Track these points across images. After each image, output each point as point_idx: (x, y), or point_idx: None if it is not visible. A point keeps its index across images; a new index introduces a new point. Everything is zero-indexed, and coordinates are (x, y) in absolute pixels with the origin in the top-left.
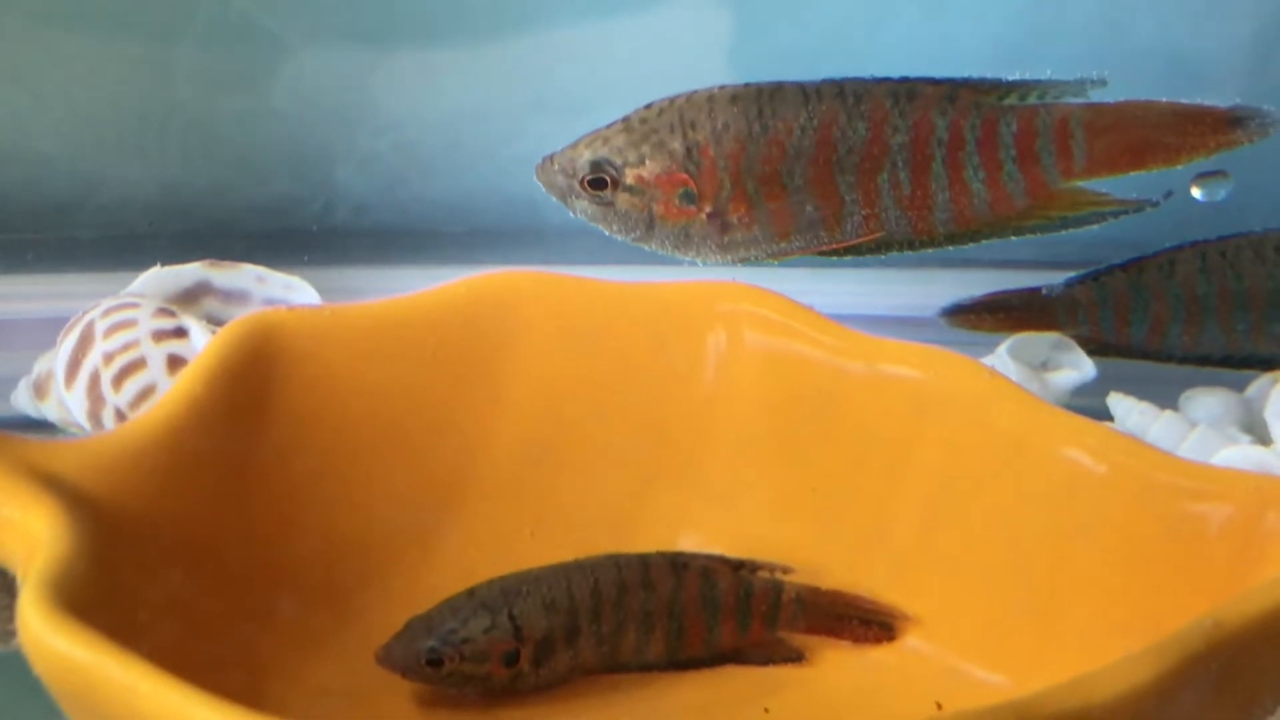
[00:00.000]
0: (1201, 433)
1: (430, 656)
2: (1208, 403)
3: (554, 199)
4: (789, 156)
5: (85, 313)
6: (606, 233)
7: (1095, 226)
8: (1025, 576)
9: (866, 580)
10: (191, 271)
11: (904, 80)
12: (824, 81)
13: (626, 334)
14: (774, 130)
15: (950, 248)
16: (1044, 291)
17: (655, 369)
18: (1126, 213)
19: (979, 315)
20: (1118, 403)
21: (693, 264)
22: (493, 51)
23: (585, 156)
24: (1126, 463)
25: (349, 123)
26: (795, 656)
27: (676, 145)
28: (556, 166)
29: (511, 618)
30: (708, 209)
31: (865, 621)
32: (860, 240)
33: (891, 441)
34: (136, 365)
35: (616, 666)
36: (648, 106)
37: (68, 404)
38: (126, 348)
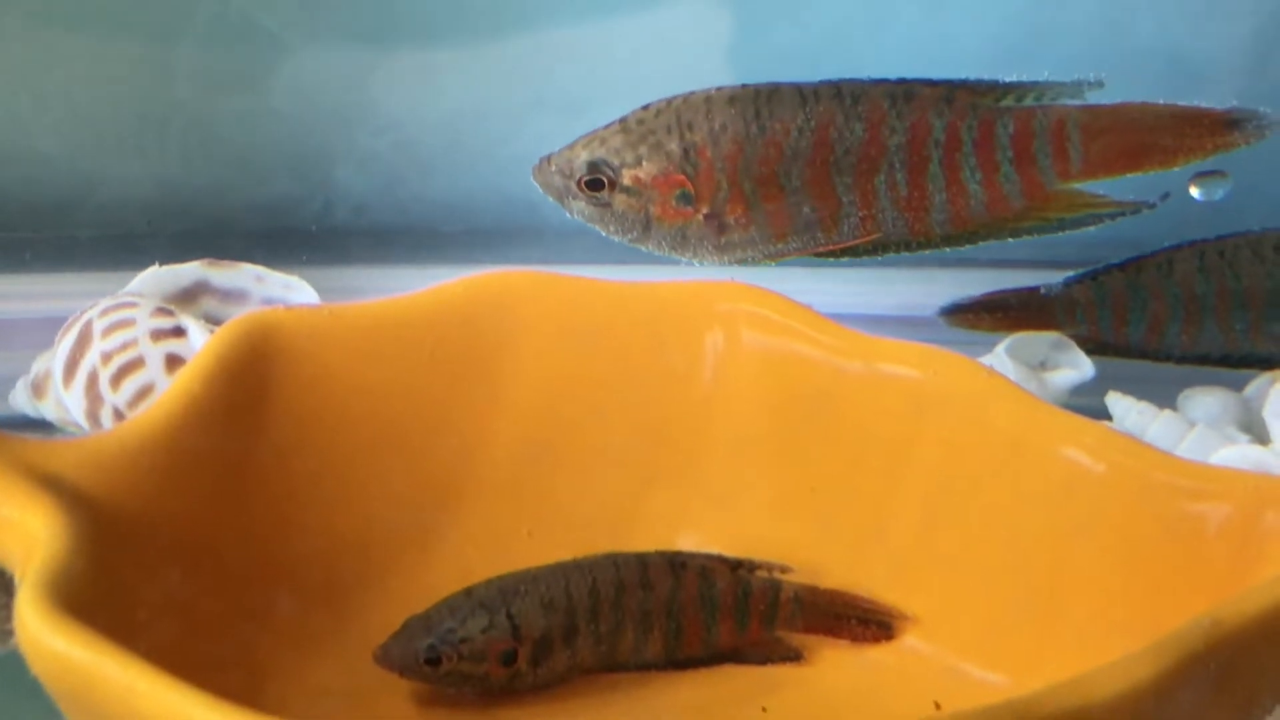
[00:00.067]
0: (1200, 432)
1: (428, 656)
2: (1206, 402)
3: (551, 200)
4: (786, 158)
5: (83, 312)
6: (603, 234)
7: (1092, 228)
8: (1024, 576)
9: (865, 579)
10: (190, 271)
11: (901, 81)
12: (821, 83)
13: (625, 334)
14: (771, 131)
15: (947, 249)
16: (1042, 291)
17: (654, 368)
18: (1123, 214)
19: (977, 315)
20: (1116, 402)
21: (690, 264)
22: (492, 51)
23: (582, 157)
24: (1125, 462)
25: (348, 122)
26: (793, 656)
27: (674, 146)
28: (554, 167)
29: (509, 617)
30: (705, 210)
31: (864, 621)
32: (857, 242)
33: (890, 441)
34: (135, 364)
35: (614, 666)
36: (645, 108)
37: (66, 403)
38: (125, 347)
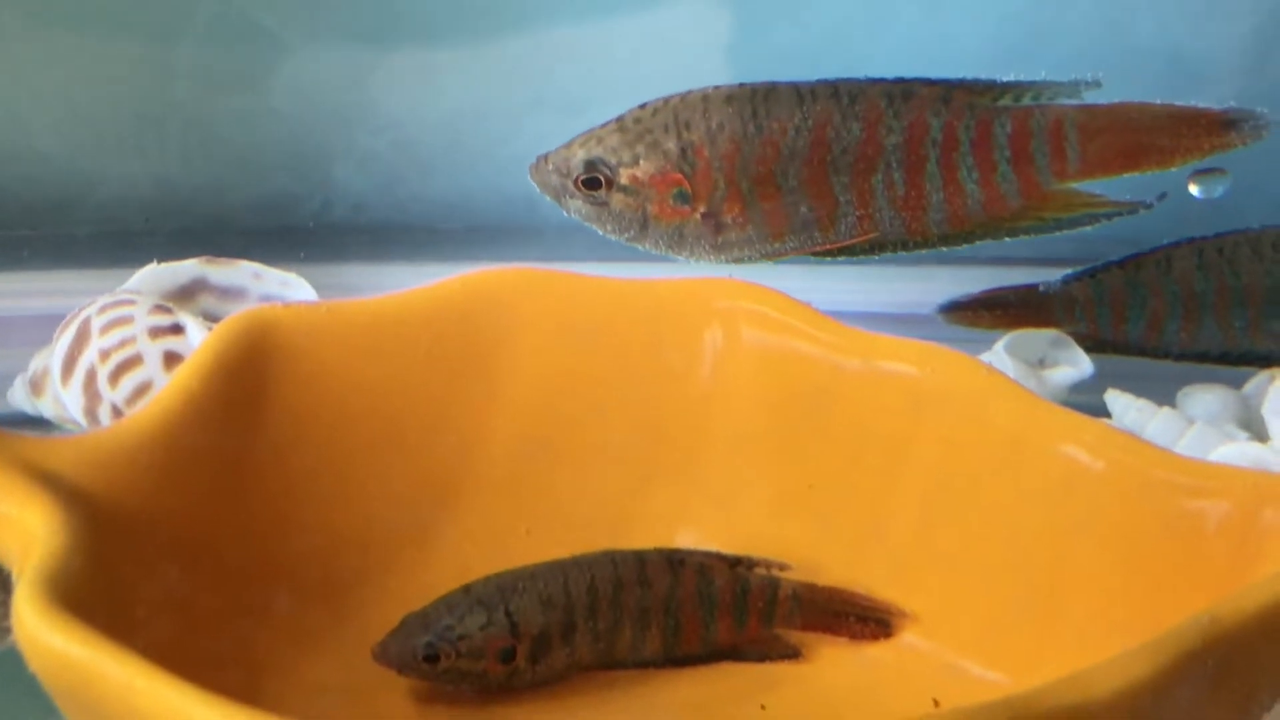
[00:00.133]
0: (1199, 429)
1: (427, 653)
2: (1205, 399)
3: (548, 198)
4: (783, 157)
5: (82, 309)
6: (601, 233)
7: (1089, 228)
8: (1023, 573)
9: (864, 577)
10: (188, 268)
11: (899, 81)
12: (819, 82)
13: (623, 331)
14: (768, 130)
15: (944, 249)
16: (1041, 288)
17: (652, 366)
18: (1120, 214)
19: (976, 312)
20: (1115, 399)
21: (689, 262)
22: (492, 50)
23: (579, 156)
24: (1124, 459)
25: (347, 121)
26: (792, 653)
27: (671, 145)
28: (551, 166)
29: (508, 614)
30: (702, 209)
31: (862, 618)
32: (854, 241)
33: (889, 438)
34: (133, 362)
35: (613, 663)
36: (642, 106)
37: (64, 401)
38: (123, 344)
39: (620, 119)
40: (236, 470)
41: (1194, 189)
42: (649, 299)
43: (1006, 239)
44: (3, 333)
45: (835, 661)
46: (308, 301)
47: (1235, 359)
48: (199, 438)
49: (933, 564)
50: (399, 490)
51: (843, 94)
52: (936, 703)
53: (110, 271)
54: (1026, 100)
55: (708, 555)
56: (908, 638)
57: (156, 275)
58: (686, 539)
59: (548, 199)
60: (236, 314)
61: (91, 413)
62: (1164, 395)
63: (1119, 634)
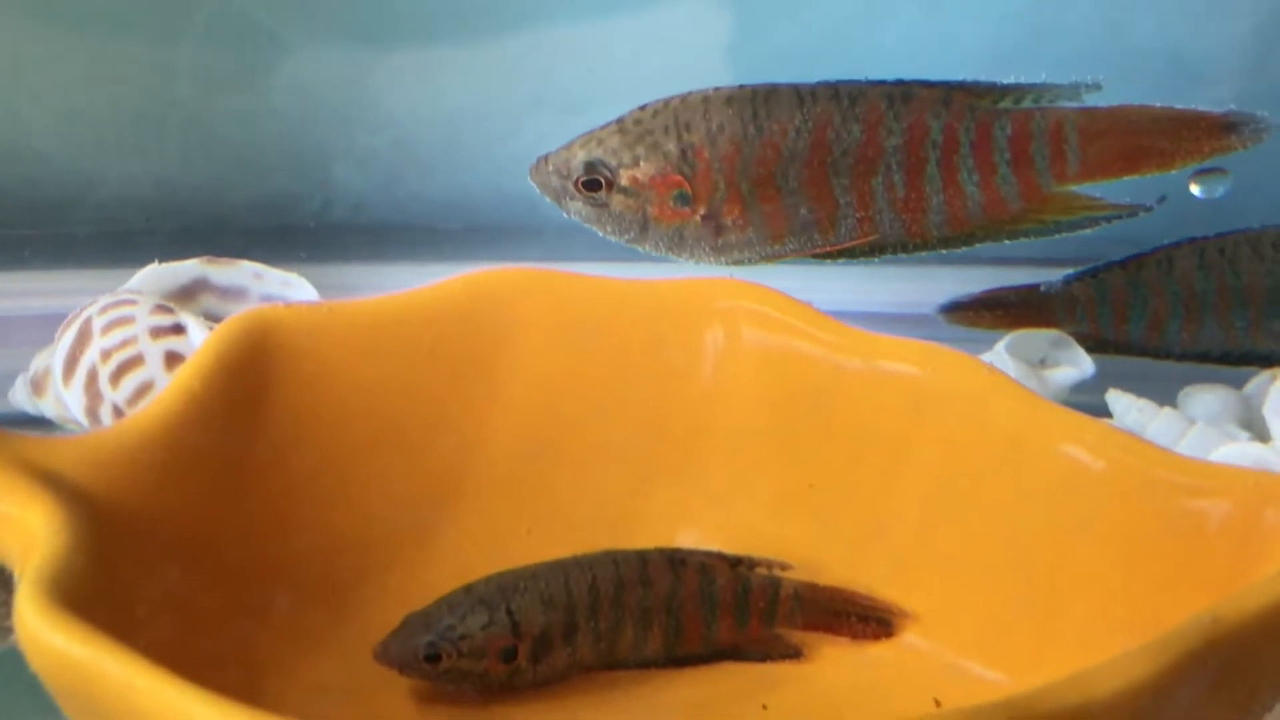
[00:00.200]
0: (1200, 429)
1: (428, 652)
2: (1206, 399)
3: (548, 199)
4: (784, 158)
5: (83, 309)
6: (600, 234)
7: (1089, 230)
8: (1024, 573)
9: (865, 577)
10: (189, 268)
11: (899, 83)
12: (819, 84)
13: (624, 331)
14: (769, 132)
15: (944, 251)
16: (1042, 288)
17: (653, 366)
18: (1120, 217)
19: (977, 312)
20: (1116, 400)
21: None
22: (491, 50)
23: (579, 158)
24: (1125, 459)
25: (347, 120)
26: (793, 653)
27: (671, 147)
28: (550, 167)
29: (509, 614)
30: (702, 211)
31: (863, 618)
32: (854, 243)
33: (890, 438)
34: (134, 362)
35: (614, 663)
36: (642, 108)
37: (65, 400)
38: (124, 344)
39: (620, 120)
40: (237, 470)
41: (1195, 189)
42: (650, 299)
43: (1006, 242)
44: (4, 332)
45: (836, 661)
46: (309, 301)
47: (1236, 359)
48: (200, 438)
49: (934, 564)
50: (400, 490)
51: (843, 96)
52: (938, 703)
53: (111, 271)
54: (1027, 103)
55: (709, 555)
56: (909, 637)
57: (157, 275)
58: (687, 538)
59: (547, 198)
60: (238, 314)
61: (93, 412)
62: (1165, 395)
63: (1120, 634)
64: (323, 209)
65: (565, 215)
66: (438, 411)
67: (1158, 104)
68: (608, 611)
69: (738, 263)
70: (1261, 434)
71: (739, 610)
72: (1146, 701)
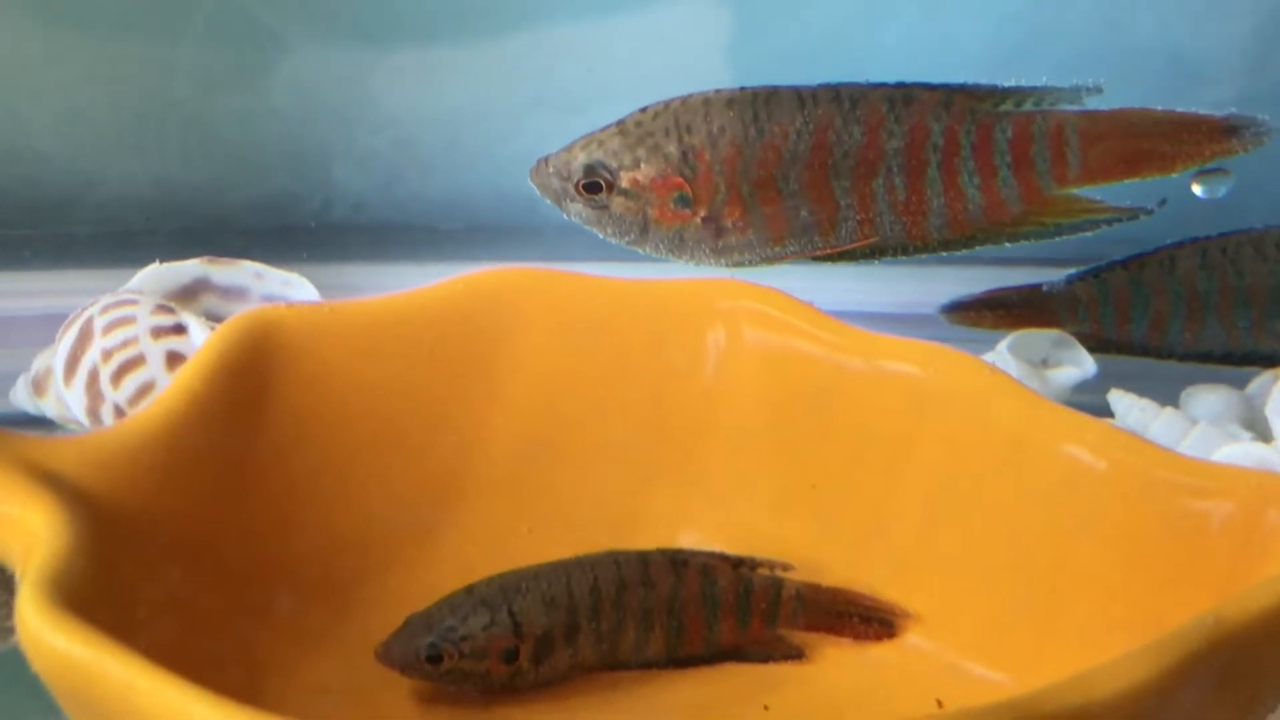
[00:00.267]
0: (1202, 430)
1: (430, 653)
2: (1208, 400)
3: (548, 201)
4: (784, 161)
5: (84, 309)
6: (600, 236)
7: (1089, 233)
8: (1026, 574)
9: (866, 577)
10: (190, 268)
11: (900, 85)
12: (820, 86)
13: (625, 331)
14: (769, 134)
15: (944, 253)
16: (1044, 288)
17: (654, 366)
18: (1121, 220)
19: (979, 312)
20: (1118, 400)
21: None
22: (492, 50)
23: (580, 160)
24: (1127, 460)
25: (348, 120)
26: (795, 654)
27: (672, 149)
28: (551, 169)
29: (511, 614)
30: (703, 213)
31: (865, 619)
32: (854, 245)
33: (891, 438)
34: (135, 362)
35: (616, 664)
36: (643, 110)
37: (66, 400)
38: (125, 344)
39: (621, 122)
40: (239, 470)
41: (1197, 189)
42: (651, 299)
43: (1007, 244)
44: (5, 332)
45: (838, 662)
46: (310, 301)
47: (1239, 359)
48: (201, 438)
49: (935, 564)
50: (401, 490)
51: (844, 98)
52: (940, 703)
53: (112, 271)
54: (1028, 105)
55: (711, 556)
56: (911, 638)
57: (158, 275)
58: (689, 539)
59: (548, 201)
60: (239, 314)
61: (94, 412)
62: (1167, 395)
63: (1122, 635)
64: (323, 209)
65: (565, 217)
66: (438, 411)
67: (1158, 105)
68: (609, 612)
69: (738, 265)
70: (1264, 434)
71: (741, 611)
72: (1148, 702)
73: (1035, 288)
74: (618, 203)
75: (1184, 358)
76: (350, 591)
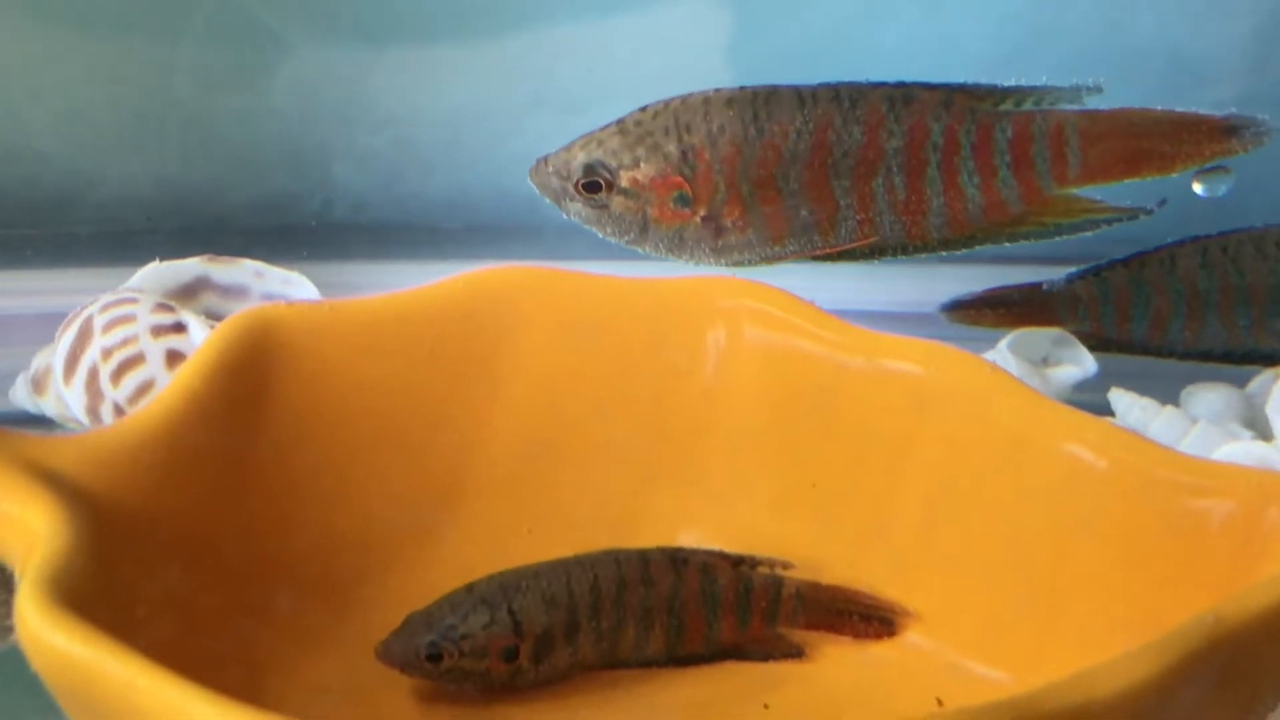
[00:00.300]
0: (1203, 428)
1: (430, 652)
2: (1209, 398)
3: (548, 201)
4: (784, 160)
5: (84, 308)
6: (600, 235)
7: (1089, 233)
8: (1026, 572)
9: (867, 576)
10: (190, 267)
11: (900, 85)
12: (820, 85)
13: (626, 330)
14: (769, 134)
15: (944, 253)
16: (1045, 287)
17: (655, 365)
18: (1120, 220)
19: (979, 311)
20: (1119, 398)
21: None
22: (492, 49)
23: (579, 159)
24: (1127, 458)
25: (348, 119)
26: (795, 652)
27: (671, 148)
28: (550, 169)
29: (511, 613)
30: (702, 212)
31: (866, 617)
32: (854, 245)
33: (892, 437)
34: (135, 360)
35: (616, 662)
36: (643, 109)
37: (66, 399)
38: (125, 343)
39: (621, 121)
40: (238, 469)
41: (1198, 187)
42: (652, 297)
43: (1007, 244)
44: (5, 331)
45: (838, 660)
46: (310, 300)
47: (1239, 358)
48: (201, 436)
49: (936, 563)
50: (401, 489)
51: (844, 97)
52: (940, 702)
53: (112, 270)
54: (1028, 105)
55: (711, 554)
56: (911, 637)
57: (158, 274)
58: (689, 538)
59: (548, 200)
60: (239, 313)
61: (94, 411)
62: (1168, 394)
63: (1122, 633)
64: (323, 208)
65: (565, 217)
66: (439, 410)
67: (1158, 105)
68: (610, 611)
69: (738, 264)
70: (1264, 433)
71: (741, 609)
72: (1149, 701)
73: (1036, 286)
74: (617, 202)
75: (1184, 356)
76: (350, 590)
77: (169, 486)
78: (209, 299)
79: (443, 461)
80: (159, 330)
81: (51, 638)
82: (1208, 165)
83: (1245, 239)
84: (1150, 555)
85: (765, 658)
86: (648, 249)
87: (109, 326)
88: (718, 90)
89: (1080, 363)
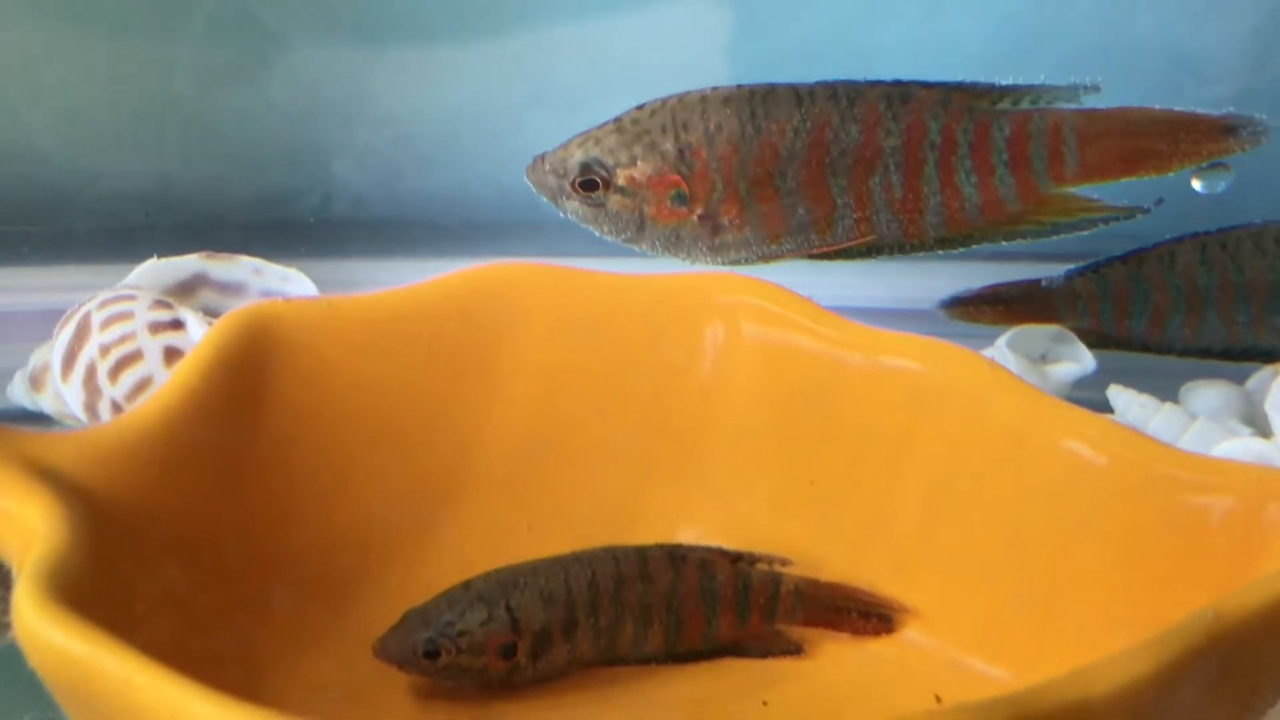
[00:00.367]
0: (1202, 425)
1: (427, 649)
2: (1208, 395)
3: (545, 199)
4: (781, 159)
5: (82, 305)
6: (597, 233)
7: (1086, 232)
8: (1025, 569)
9: (866, 573)
10: (188, 263)
11: (898, 83)
12: (817, 84)
13: (624, 326)
14: (766, 132)
15: (941, 252)
16: (1043, 284)
17: (653, 361)
18: (1118, 219)
19: (978, 308)
20: (1118, 395)
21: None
22: (491, 47)
23: (576, 157)
24: (1127, 455)
25: (347, 116)
26: (794, 649)
27: (669, 146)
28: (548, 167)
29: (509, 610)
30: (699, 211)
31: (864, 614)
32: (851, 243)
33: (891, 434)
34: (133, 357)
35: (614, 659)
36: (640, 107)
37: (64, 396)
38: (123, 340)
39: (618, 120)
40: (236, 466)
41: (1197, 184)
42: (650, 294)
43: (1004, 243)
44: (3, 328)
45: (837, 657)
46: (308, 297)
47: (1238, 354)
48: (199, 433)
49: (934, 560)
50: (399, 486)
51: (841, 96)
52: (939, 699)
53: (110, 267)
54: (1025, 104)
55: (709, 551)
56: (910, 633)
57: (157, 270)
58: (688, 535)
59: (545, 199)
60: (237, 309)
61: (91, 408)
62: (1167, 391)
63: (1121, 630)
64: (322, 205)
65: (562, 215)
66: (437, 407)
67: (1157, 104)
68: (608, 608)
69: (734, 262)
70: (1263, 429)
71: (739, 606)
72: (1148, 698)
73: (1035, 283)
74: (614, 200)
75: (1183, 353)
76: (349, 588)
77: (167, 483)
78: (207, 296)
79: (441, 458)
80: (157, 327)
81: (49, 634)
82: (1206, 164)
83: (1244, 235)
84: (1150, 552)
85: (764, 654)
86: (645, 247)
87: (107, 323)
88: (715, 89)
89: (1079, 359)
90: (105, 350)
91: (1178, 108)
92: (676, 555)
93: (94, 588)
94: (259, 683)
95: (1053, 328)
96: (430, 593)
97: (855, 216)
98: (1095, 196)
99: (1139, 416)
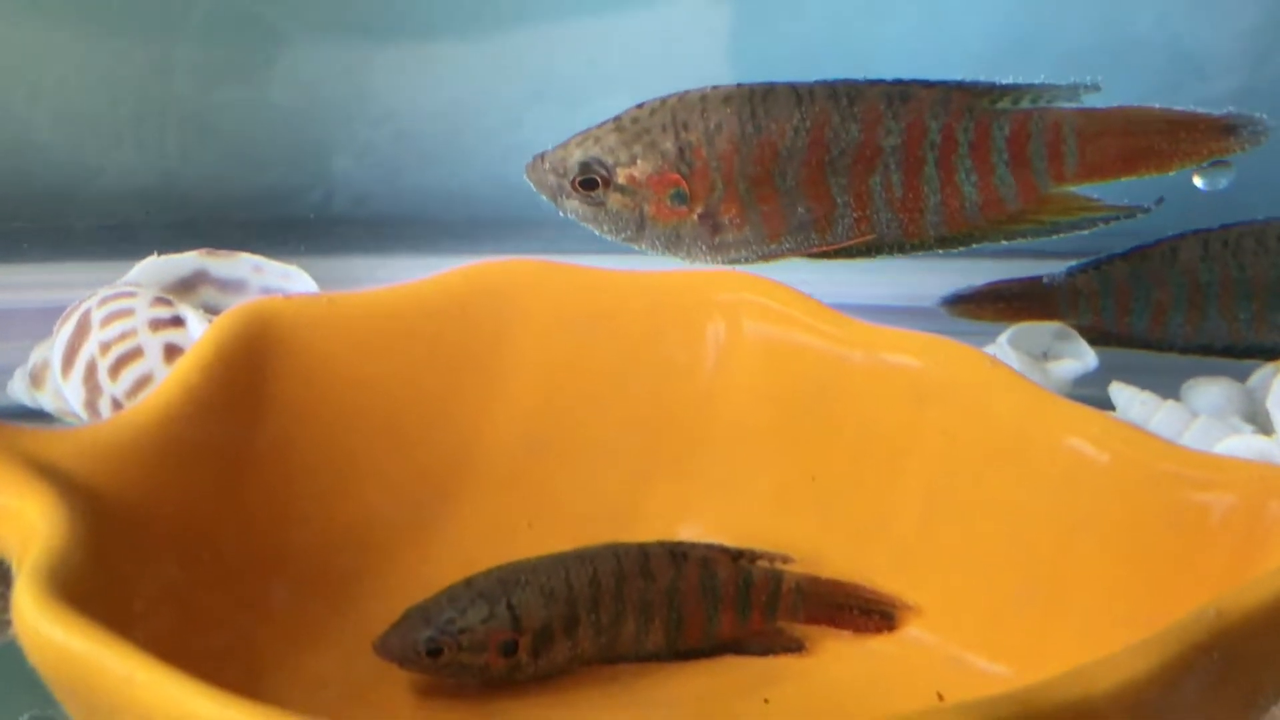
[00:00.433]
0: (1203, 422)
1: (428, 646)
2: (1210, 392)
3: (545, 198)
4: (781, 158)
5: (82, 302)
6: (597, 232)
7: (1086, 231)
8: (1027, 566)
9: (867, 570)
10: (188, 260)
11: (898, 82)
12: (817, 83)
13: (625, 323)
14: (766, 131)
15: (941, 251)
16: (1045, 281)
17: (654, 359)
18: (1118, 218)
19: (980, 305)
20: (1119, 392)
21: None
22: (491, 43)
23: (576, 156)
24: (1128, 452)
25: (347, 113)
26: (795, 646)
27: (669, 145)
28: (547, 165)
29: (510, 607)
30: (699, 210)
31: (865, 611)
32: (851, 243)
33: (892, 431)
34: (133, 354)
35: (615, 656)
36: (639, 106)
37: (64, 393)
38: (123, 337)
39: (618, 119)
40: (236, 463)
41: (1198, 181)
42: (651, 291)
43: (1004, 242)
44: (2, 325)
45: (838, 655)
46: (308, 294)
47: (1240, 352)
48: (199, 431)
49: (936, 557)
50: (400, 483)
51: (841, 95)
52: (940, 696)
53: (110, 264)
54: (1025, 103)
55: (710, 548)
56: (911, 631)
57: (157, 267)
58: (689, 532)
59: (544, 197)
60: (237, 306)
61: (92, 405)
62: (1168, 388)
63: (1123, 627)
64: (323, 201)
65: (562, 214)
66: (437, 404)
67: (1158, 102)
68: (609, 605)
69: (734, 262)
70: (1265, 427)
71: (741, 603)
72: (1150, 695)
73: (1036, 280)
74: (614, 199)
75: (1185, 350)
76: (349, 585)
77: (167, 481)
78: (207, 293)
79: (441, 455)
80: (157, 324)
81: (49, 631)
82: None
83: (1246, 232)
84: (1151, 549)
85: (765, 652)
86: (644, 246)
87: (107, 320)
88: (715, 88)
89: (1081, 357)
90: (105, 347)
91: (1178, 106)
92: (678, 552)
93: (94, 585)
94: (259, 680)
95: (1054, 325)
96: (431, 590)
97: (855, 216)
98: (1096, 195)
99: (1140, 414)
